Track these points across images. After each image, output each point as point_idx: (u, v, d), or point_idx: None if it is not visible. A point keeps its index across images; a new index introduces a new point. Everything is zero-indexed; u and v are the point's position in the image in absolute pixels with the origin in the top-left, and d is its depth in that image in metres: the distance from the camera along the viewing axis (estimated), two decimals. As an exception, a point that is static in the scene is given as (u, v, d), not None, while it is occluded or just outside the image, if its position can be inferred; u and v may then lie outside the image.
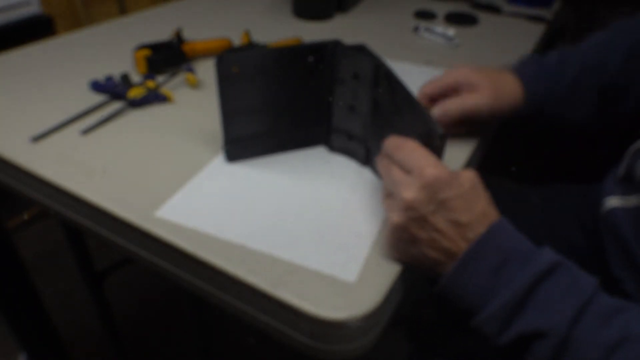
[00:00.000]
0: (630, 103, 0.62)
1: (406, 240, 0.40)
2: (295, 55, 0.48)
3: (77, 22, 1.50)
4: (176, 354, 1.24)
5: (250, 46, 0.76)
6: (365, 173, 0.53)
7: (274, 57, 0.48)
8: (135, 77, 0.70)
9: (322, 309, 0.37)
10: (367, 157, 0.53)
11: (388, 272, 0.41)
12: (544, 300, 0.36)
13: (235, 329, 1.29)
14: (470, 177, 0.39)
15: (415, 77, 0.71)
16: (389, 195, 0.41)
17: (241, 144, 0.52)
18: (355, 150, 0.54)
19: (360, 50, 0.48)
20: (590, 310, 0.36)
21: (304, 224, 0.45)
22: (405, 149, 0.40)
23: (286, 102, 0.51)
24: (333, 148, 0.56)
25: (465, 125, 0.57)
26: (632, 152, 0.58)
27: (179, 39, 0.77)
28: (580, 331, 0.35)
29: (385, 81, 0.47)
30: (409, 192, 0.38)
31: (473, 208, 0.38)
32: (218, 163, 0.53)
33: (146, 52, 0.70)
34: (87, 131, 0.58)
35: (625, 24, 0.63)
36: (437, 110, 0.54)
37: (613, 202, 0.59)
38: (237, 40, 0.82)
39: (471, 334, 0.40)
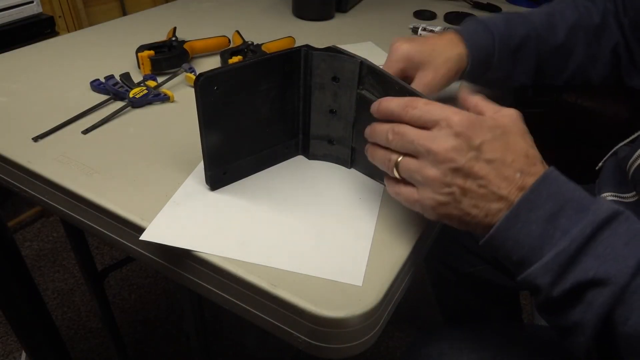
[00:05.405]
0: (564, 76, 0.64)
1: (446, 197, 0.36)
2: (271, 66, 0.47)
3: (77, 21, 1.51)
4: (176, 353, 1.24)
5: (244, 46, 0.76)
6: (350, 175, 0.53)
7: (252, 70, 0.46)
8: (136, 77, 0.70)
9: (322, 307, 0.37)
10: (352, 158, 0.53)
11: (389, 271, 0.41)
12: (604, 249, 0.33)
13: (236, 329, 1.29)
14: (506, 116, 0.37)
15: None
16: (392, 172, 0.39)
17: (223, 168, 0.49)
18: (337, 154, 0.53)
19: (337, 51, 0.47)
20: None
21: (301, 234, 0.44)
22: (419, 103, 0.37)
23: (266, 117, 0.50)
24: (312, 156, 0.55)
25: None
26: (615, 151, 0.59)
27: (176, 38, 0.77)
28: None
29: (371, 77, 0.46)
30: (442, 142, 0.35)
31: (513, 148, 0.36)
32: (196, 179, 0.50)
33: (149, 53, 0.71)
34: (88, 131, 0.58)
35: None
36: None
37: (610, 198, 0.59)
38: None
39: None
